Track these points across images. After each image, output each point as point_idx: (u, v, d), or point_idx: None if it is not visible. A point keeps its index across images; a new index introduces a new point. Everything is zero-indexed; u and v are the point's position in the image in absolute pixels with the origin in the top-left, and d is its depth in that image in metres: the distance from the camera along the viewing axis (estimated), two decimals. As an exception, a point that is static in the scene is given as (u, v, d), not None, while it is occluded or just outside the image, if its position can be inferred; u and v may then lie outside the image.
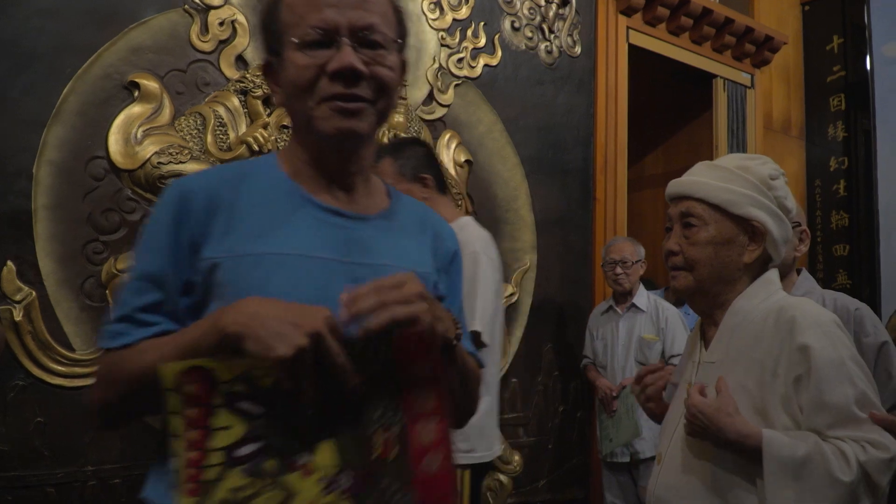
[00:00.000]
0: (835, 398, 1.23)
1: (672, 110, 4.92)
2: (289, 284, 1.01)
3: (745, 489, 1.25)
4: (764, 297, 1.40)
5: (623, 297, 3.48)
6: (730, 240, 1.40)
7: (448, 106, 3.43)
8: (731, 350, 1.37)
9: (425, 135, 3.24)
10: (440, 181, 2.41)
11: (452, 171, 3.33)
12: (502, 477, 3.38)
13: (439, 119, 3.41)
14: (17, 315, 2.45)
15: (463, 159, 3.41)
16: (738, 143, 4.65)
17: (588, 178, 3.96)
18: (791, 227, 1.46)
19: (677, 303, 3.69)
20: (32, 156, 2.51)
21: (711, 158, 4.75)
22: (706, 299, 1.44)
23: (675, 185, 1.47)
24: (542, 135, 3.76)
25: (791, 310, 1.32)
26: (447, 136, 3.38)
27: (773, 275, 1.44)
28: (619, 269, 3.43)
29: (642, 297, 3.46)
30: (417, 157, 2.38)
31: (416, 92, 3.33)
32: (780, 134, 5.10)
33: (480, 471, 2.54)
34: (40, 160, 2.53)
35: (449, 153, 3.37)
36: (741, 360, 1.34)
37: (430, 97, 3.39)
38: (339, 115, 1.04)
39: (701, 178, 1.44)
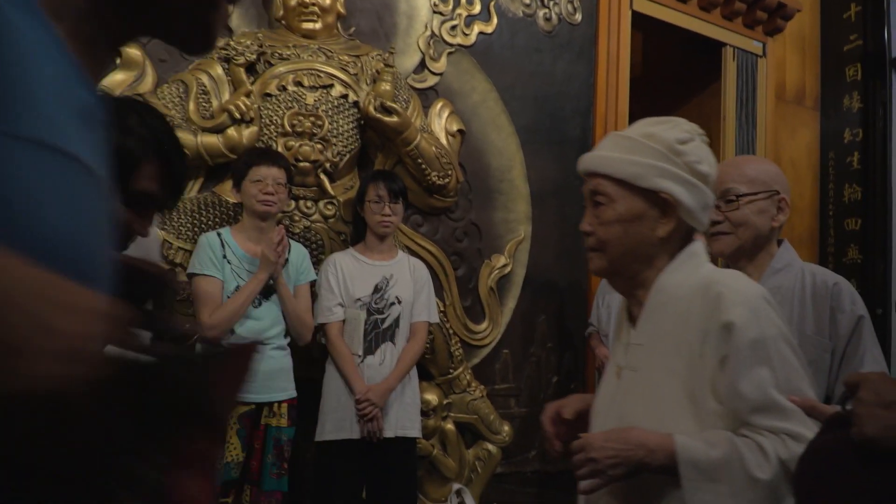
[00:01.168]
0: (751, 382, 1.17)
1: (679, 81, 4.82)
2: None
3: (673, 487, 1.19)
4: (690, 271, 1.31)
5: None
6: (639, 215, 1.29)
7: (440, 74, 3.39)
8: (659, 330, 1.30)
9: (415, 103, 3.21)
10: None
11: (444, 141, 3.29)
12: (491, 447, 3.38)
13: (431, 88, 3.37)
14: None
15: (455, 128, 3.37)
16: (747, 115, 4.54)
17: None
18: (710, 193, 1.36)
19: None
20: (14, 123, 2.53)
21: (720, 131, 4.67)
22: (624, 279, 1.37)
23: (582, 161, 1.38)
24: (539, 104, 3.71)
25: (718, 285, 1.24)
26: (439, 105, 3.34)
27: (697, 247, 1.35)
28: None
29: None
30: None
31: (406, 60, 3.30)
32: (793, 104, 4.96)
33: None
34: (22, 127, 2.54)
35: (440, 122, 3.33)
36: (670, 341, 1.27)
37: (422, 65, 3.35)
38: None
39: (606, 153, 1.35)
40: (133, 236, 1.17)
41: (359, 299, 2.77)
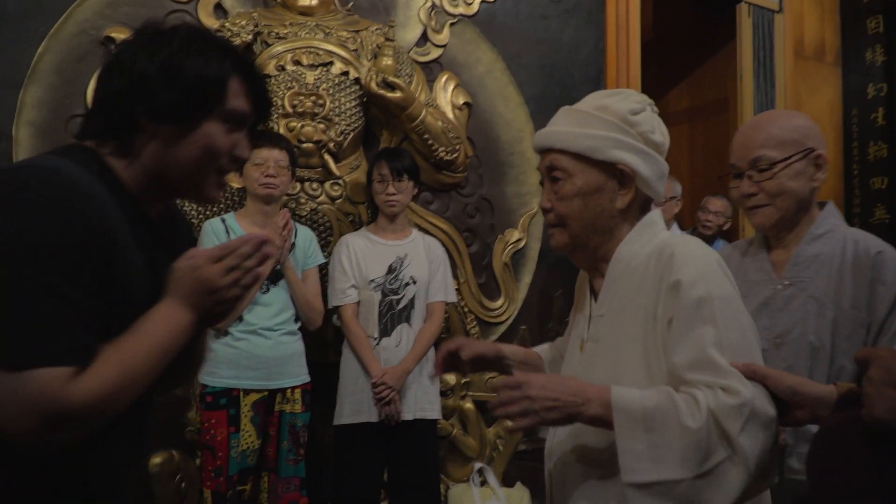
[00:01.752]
0: (692, 339, 1.15)
1: (693, 42, 4.68)
2: None
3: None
4: (647, 240, 1.30)
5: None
6: (598, 188, 1.30)
7: (444, 46, 3.30)
8: (619, 300, 1.29)
9: (418, 77, 3.12)
10: None
11: (450, 115, 3.21)
12: (511, 423, 3.33)
13: (434, 61, 3.28)
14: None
15: (461, 102, 3.29)
16: (765, 74, 4.39)
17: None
18: (664, 163, 1.33)
19: (708, 241, 3.53)
20: (10, 117, 2.50)
21: (737, 92, 4.53)
22: (586, 253, 1.35)
23: (537, 138, 1.37)
24: (548, 72, 3.60)
25: (670, 247, 1.23)
26: (444, 78, 3.26)
27: (654, 216, 1.34)
28: (710, 218, 3.30)
29: (674, 228, 3.30)
30: None
31: (407, 33, 3.21)
32: (813, 61, 4.80)
33: None
34: (19, 121, 2.52)
35: (446, 96, 3.25)
36: (628, 309, 1.27)
37: (424, 38, 3.27)
38: None
39: (560, 128, 1.34)
40: (239, 160, 1.19)
41: (373, 280, 2.72)
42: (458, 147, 3.17)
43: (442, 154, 3.12)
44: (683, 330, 1.17)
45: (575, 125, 1.31)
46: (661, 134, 1.33)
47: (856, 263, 1.61)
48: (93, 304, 1.01)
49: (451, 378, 3.13)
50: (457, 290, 3.15)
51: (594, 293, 1.38)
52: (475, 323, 3.26)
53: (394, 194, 2.74)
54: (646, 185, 1.30)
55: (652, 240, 1.30)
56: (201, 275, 1.12)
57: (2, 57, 2.51)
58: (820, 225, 1.68)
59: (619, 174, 1.29)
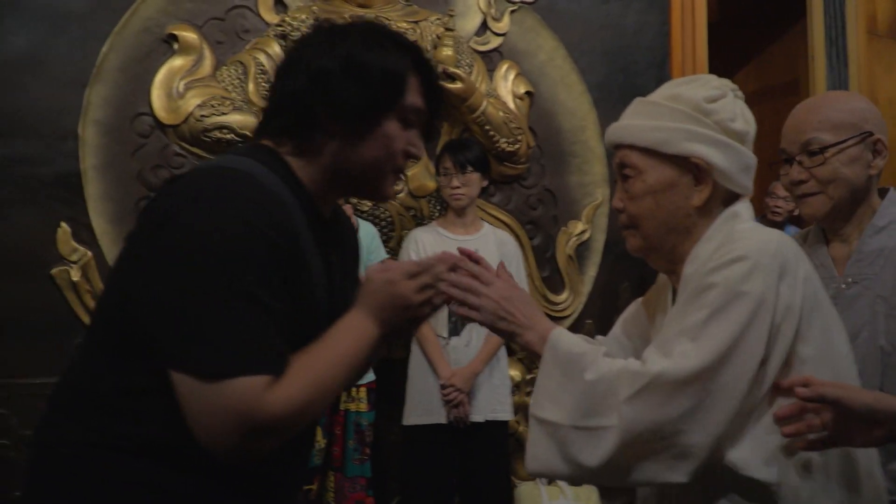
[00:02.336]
0: (686, 318, 1.08)
1: (761, 21, 4.50)
2: None
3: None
4: (726, 235, 1.18)
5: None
6: (671, 184, 1.19)
7: (504, 35, 3.22)
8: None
9: (478, 67, 3.05)
10: None
11: (511, 105, 3.14)
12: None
13: (494, 50, 3.21)
14: (75, 275, 2.50)
15: (522, 91, 3.21)
16: (837, 53, 4.19)
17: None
18: (749, 153, 1.22)
19: (779, 227, 3.39)
20: (76, 116, 2.52)
21: (808, 72, 4.34)
22: (662, 255, 1.25)
23: (607, 134, 1.28)
24: (610, 58, 3.49)
25: (735, 239, 1.13)
26: (504, 68, 3.18)
27: (739, 207, 1.22)
28: (780, 205, 3.17)
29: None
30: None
31: (466, 22, 3.14)
32: (887, 38, 4.57)
33: None
34: (85, 120, 2.54)
35: (507, 85, 3.17)
36: None
37: (484, 27, 3.19)
38: None
39: (629, 121, 1.24)
40: (414, 158, 1.20)
41: (442, 277, 2.68)
42: (519, 138, 3.10)
43: (503, 145, 3.05)
44: (683, 305, 1.11)
45: (644, 117, 1.22)
46: (743, 121, 1.22)
47: None
48: (284, 310, 1.00)
49: (515, 374, 3.07)
50: (521, 282, 3.09)
51: (675, 296, 1.27)
52: (541, 316, 3.19)
53: (458, 187, 2.68)
54: (726, 179, 1.19)
55: (731, 233, 1.18)
56: (396, 290, 1.11)
57: (68, 56, 2.53)
58: (882, 215, 1.53)
59: (693, 168, 1.18)
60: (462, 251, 1.25)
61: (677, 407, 1.03)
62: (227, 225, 0.96)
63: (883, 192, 1.57)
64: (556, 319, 3.27)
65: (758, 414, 1.08)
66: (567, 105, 3.36)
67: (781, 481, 1.06)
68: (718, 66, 3.88)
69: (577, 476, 1.09)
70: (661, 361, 1.05)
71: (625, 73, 3.53)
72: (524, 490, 2.94)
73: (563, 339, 1.14)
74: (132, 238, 1.05)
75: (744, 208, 1.23)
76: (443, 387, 2.56)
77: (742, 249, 1.09)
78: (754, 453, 1.07)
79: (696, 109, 1.18)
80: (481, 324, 1.18)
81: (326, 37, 1.12)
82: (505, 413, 2.71)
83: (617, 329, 1.46)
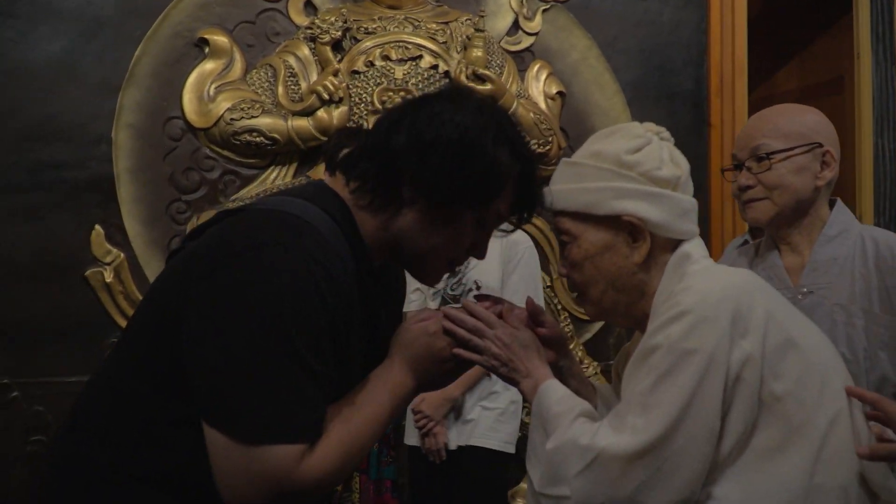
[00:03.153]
0: (635, 385, 1.06)
1: (804, 17, 4.36)
2: None
3: None
4: (676, 283, 1.13)
5: (759, 230, 3.13)
6: (606, 246, 1.16)
7: (536, 34, 3.18)
8: None
9: (509, 68, 3.02)
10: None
11: (543, 105, 3.10)
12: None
13: (526, 49, 3.17)
14: (109, 277, 2.55)
15: (554, 91, 3.17)
16: (885, 50, 4.05)
17: (701, 101, 3.59)
18: (683, 197, 1.17)
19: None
20: (110, 121, 2.57)
21: (854, 71, 4.21)
22: (621, 316, 1.21)
23: (543, 199, 1.23)
24: (646, 57, 3.43)
25: (675, 296, 1.08)
26: (536, 67, 3.15)
27: (687, 248, 1.17)
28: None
29: None
30: None
31: (498, 22, 3.11)
32: (940, 33, 4.41)
33: None
34: (118, 124, 2.58)
35: (538, 86, 3.14)
36: None
37: (515, 26, 3.15)
38: None
39: (556, 186, 1.20)
40: (469, 257, 1.17)
41: (435, 284, 2.56)
42: (550, 139, 3.06)
43: (534, 147, 3.02)
44: (627, 374, 1.09)
45: (569, 180, 1.18)
46: (672, 166, 1.16)
47: (880, 263, 1.46)
48: (330, 374, 0.98)
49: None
50: (549, 286, 3.05)
51: None
52: (569, 321, 3.16)
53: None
54: (664, 230, 1.15)
55: (681, 280, 1.13)
56: (435, 342, 1.09)
57: (101, 61, 2.57)
58: (832, 225, 1.53)
59: (627, 226, 1.14)
60: (480, 297, 1.23)
61: (632, 480, 1.00)
62: (284, 283, 0.92)
63: (832, 203, 1.57)
64: (587, 322, 3.23)
65: (733, 456, 1.04)
66: (600, 105, 3.31)
67: None
68: (759, 64, 3.79)
69: None
70: (608, 436, 1.03)
71: (660, 72, 3.46)
72: None
73: (548, 394, 1.12)
74: (184, 268, 1.01)
75: (694, 247, 1.18)
76: (413, 411, 2.38)
77: (684, 304, 1.05)
78: (732, 492, 1.03)
79: (619, 164, 1.14)
80: (484, 368, 1.16)
81: (450, 103, 1.06)
82: (490, 440, 2.38)
83: (619, 362, 1.43)
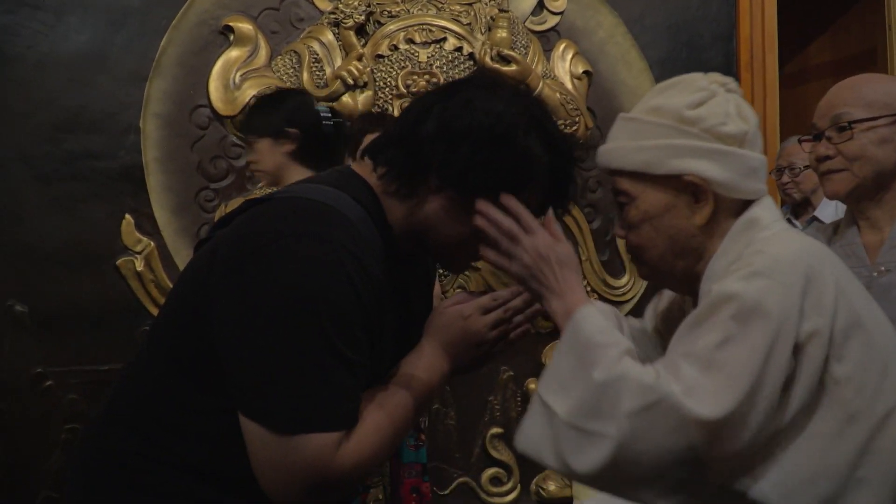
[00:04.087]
0: (697, 339, 0.97)
1: (837, -12, 4.26)
2: None
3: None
4: (743, 245, 1.07)
5: (802, 207, 3.08)
6: (667, 208, 1.09)
7: (561, 13, 3.13)
8: None
9: (534, 48, 2.99)
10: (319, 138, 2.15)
11: (569, 85, 3.07)
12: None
13: (552, 29, 3.13)
14: (139, 265, 2.58)
15: (581, 70, 3.13)
16: (920, 19, 3.94)
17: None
18: (751, 154, 1.08)
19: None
20: (138, 110, 2.58)
21: (887, 44, 4.10)
22: (675, 280, 1.15)
23: (598, 157, 1.17)
24: (674, 33, 3.37)
25: (749, 257, 1.02)
26: (562, 47, 3.10)
27: (757, 212, 1.09)
28: (785, 178, 2.99)
29: (828, 207, 2.90)
30: (287, 109, 2.13)
31: (522, 2, 3.07)
32: (978, 2, 4.27)
33: None
34: (146, 114, 2.60)
35: (564, 65, 3.10)
36: None
37: (541, 6, 3.11)
38: None
39: (612, 143, 1.13)
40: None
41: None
42: (577, 119, 3.03)
43: (561, 127, 2.99)
44: (696, 319, 1.00)
45: (627, 137, 1.11)
46: (739, 120, 1.08)
47: None
48: (363, 362, 0.97)
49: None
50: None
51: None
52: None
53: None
54: (729, 190, 1.07)
55: (749, 245, 1.06)
56: (470, 326, 1.08)
57: (128, 51, 2.58)
58: None
59: (689, 186, 1.07)
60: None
61: (687, 439, 0.93)
62: (315, 272, 0.92)
63: None
64: (617, 304, 3.21)
65: (783, 435, 0.98)
66: (628, 83, 3.26)
67: None
68: (789, 37, 3.70)
69: (565, 473, 1.01)
70: (673, 383, 0.95)
71: (689, 48, 3.40)
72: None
73: (589, 321, 1.02)
74: (212, 258, 1.00)
75: (763, 211, 1.10)
76: None
77: (756, 265, 0.99)
78: (775, 487, 0.97)
79: (680, 120, 1.07)
80: (511, 275, 1.08)
81: (482, 90, 1.04)
82: None
83: (648, 318, 1.35)
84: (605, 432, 0.95)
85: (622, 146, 1.12)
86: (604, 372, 0.97)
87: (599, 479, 0.98)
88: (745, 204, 1.11)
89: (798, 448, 0.98)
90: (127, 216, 2.57)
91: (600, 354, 0.99)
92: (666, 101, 1.09)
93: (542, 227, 1.07)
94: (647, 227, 1.10)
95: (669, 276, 1.16)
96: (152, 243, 2.59)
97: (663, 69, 3.31)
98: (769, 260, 0.99)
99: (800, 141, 1.59)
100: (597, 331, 1.02)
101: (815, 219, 2.90)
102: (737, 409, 0.92)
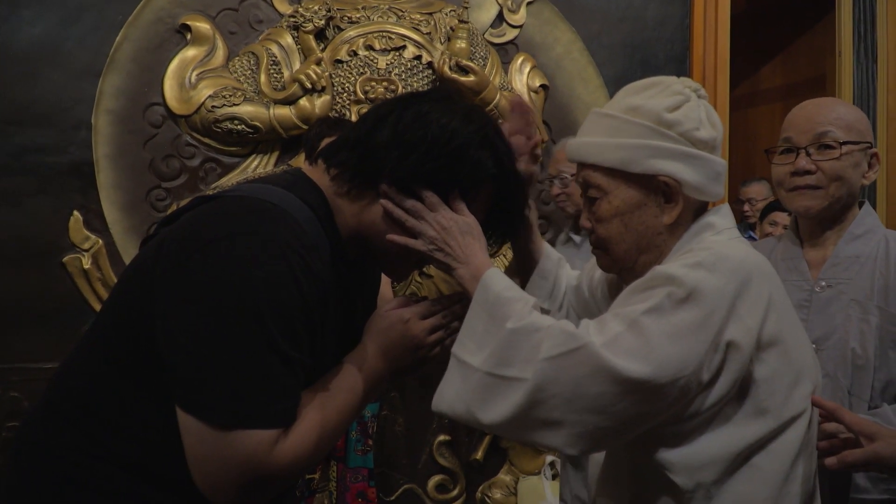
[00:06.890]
0: (627, 303, 1.03)
1: (786, 14, 4.40)
2: None
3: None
4: (693, 247, 1.13)
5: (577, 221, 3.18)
6: (638, 205, 1.14)
7: (520, 27, 3.18)
8: None
9: (493, 60, 3.03)
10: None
11: (526, 98, 3.11)
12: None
13: (510, 42, 3.17)
14: (86, 263, 2.54)
15: (538, 84, 3.18)
16: (866, 49, 4.09)
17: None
18: (718, 160, 1.15)
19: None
20: (90, 106, 2.55)
21: (836, 69, 4.24)
22: (633, 273, 1.19)
23: (568, 149, 1.21)
24: (629, 52, 3.44)
25: (694, 252, 1.08)
26: (520, 60, 3.15)
27: (712, 217, 1.16)
28: (556, 188, 2.70)
29: None
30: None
31: (482, 14, 3.11)
32: (920, 34, 4.45)
33: None
34: (98, 110, 2.56)
35: (522, 78, 3.15)
36: None
37: (500, 18, 3.16)
38: None
39: (588, 138, 1.18)
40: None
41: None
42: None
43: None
44: (634, 287, 1.06)
45: (604, 133, 1.15)
46: (710, 126, 1.14)
47: None
48: (304, 360, 0.98)
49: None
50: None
51: None
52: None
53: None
54: (697, 192, 1.13)
55: (700, 243, 1.13)
56: (409, 330, 1.09)
57: (82, 46, 2.55)
58: (859, 224, 1.55)
59: (661, 186, 1.13)
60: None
61: (599, 386, 0.96)
62: (260, 269, 0.93)
63: (860, 204, 1.59)
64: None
65: (698, 421, 1.03)
66: (583, 99, 3.32)
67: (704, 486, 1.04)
68: (742, 61, 3.81)
69: (474, 424, 1.05)
70: (595, 335, 0.99)
71: (644, 68, 3.47)
72: (527, 484, 2.94)
73: (496, 280, 1.08)
74: (156, 254, 1.00)
75: (718, 217, 1.17)
76: None
77: (702, 257, 1.04)
78: (681, 458, 1.03)
79: (658, 122, 1.12)
80: (417, 251, 1.11)
81: (438, 104, 1.08)
82: None
83: (584, 279, 1.40)
84: (522, 376, 0.99)
85: (599, 141, 1.15)
86: (517, 321, 1.02)
87: (511, 425, 1.01)
88: (703, 207, 1.18)
89: (709, 429, 1.04)
90: (75, 213, 2.53)
91: (511, 307, 1.04)
92: (645, 102, 1.14)
93: (444, 204, 1.11)
94: (617, 221, 1.15)
95: (629, 270, 1.20)
96: (100, 241, 2.55)
97: (618, 87, 3.29)
98: (714, 256, 1.04)
99: (767, 152, 1.64)
100: (504, 287, 1.07)
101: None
102: (649, 377, 0.96)
